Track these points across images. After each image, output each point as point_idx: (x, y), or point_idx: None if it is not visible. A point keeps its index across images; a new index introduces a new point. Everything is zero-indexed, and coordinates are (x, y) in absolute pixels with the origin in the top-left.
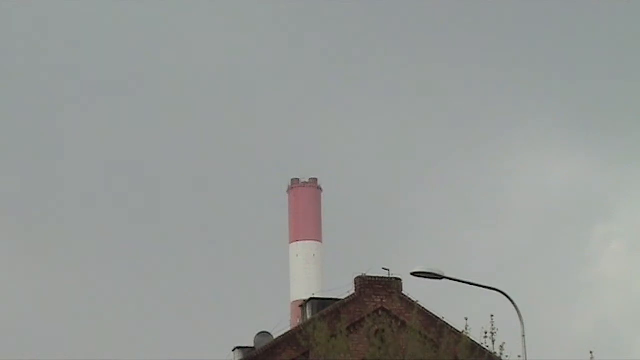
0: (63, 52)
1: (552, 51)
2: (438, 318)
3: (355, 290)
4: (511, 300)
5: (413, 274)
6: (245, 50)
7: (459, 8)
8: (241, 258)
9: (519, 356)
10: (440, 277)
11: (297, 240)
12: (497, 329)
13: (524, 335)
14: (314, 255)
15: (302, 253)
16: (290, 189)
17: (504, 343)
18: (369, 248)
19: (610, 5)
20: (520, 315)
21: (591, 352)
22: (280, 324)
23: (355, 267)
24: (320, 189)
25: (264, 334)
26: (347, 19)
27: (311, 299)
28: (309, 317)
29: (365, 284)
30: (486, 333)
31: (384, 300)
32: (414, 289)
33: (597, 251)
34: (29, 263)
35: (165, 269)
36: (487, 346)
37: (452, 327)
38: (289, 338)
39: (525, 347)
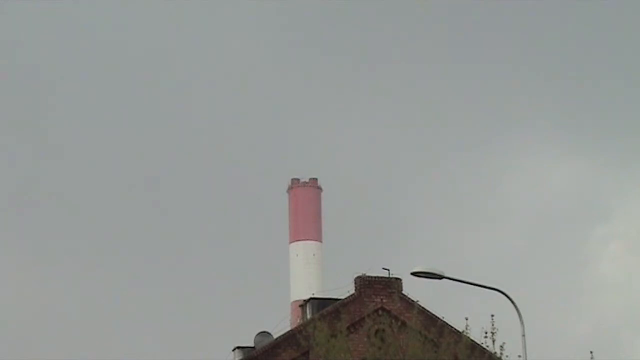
0: (60, 50)
1: (552, 52)
2: (438, 318)
3: (355, 290)
4: (511, 300)
5: (413, 274)
6: (245, 50)
7: (459, 8)
8: (241, 258)
9: (519, 356)
10: (440, 277)
11: (297, 240)
12: (497, 329)
13: (524, 335)
14: (314, 255)
15: (302, 253)
16: (290, 189)
17: (504, 343)
18: (369, 248)
19: (610, 5)
20: (520, 315)
21: (591, 352)
22: (280, 324)
23: (355, 267)
24: (320, 189)
25: (264, 334)
26: (347, 19)
27: (311, 299)
28: (309, 317)
29: (365, 284)
30: (486, 333)
31: (384, 300)
32: (414, 289)
33: (596, 252)
34: (27, 264)
35: (165, 268)
36: (487, 346)
37: (452, 327)
38: (289, 338)
39: (525, 347)
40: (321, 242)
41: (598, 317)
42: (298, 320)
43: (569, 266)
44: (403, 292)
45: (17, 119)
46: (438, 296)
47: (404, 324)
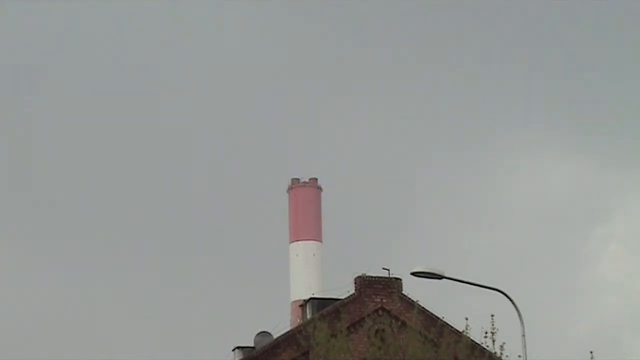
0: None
1: (552, 52)
2: (438, 318)
3: (355, 290)
4: (511, 300)
5: (413, 274)
6: (245, 50)
7: (458, 8)
8: (241, 258)
9: (519, 356)
10: (440, 277)
11: (297, 240)
12: (497, 329)
13: (524, 335)
14: (314, 255)
15: (302, 253)
16: (290, 189)
17: (504, 343)
18: (369, 248)
19: (610, 5)
20: (520, 315)
21: (591, 352)
22: (280, 324)
23: (355, 267)
24: (320, 189)
25: (264, 334)
26: (347, 19)
27: (311, 299)
28: (309, 317)
29: (365, 284)
30: (486, 333)
31: (384, 300)
32: (414, 289)
33: (596, 252)
34: (27, 264)
35: (165, 268)
36: (487, 346)
37: (452, 327)
38: (289, 338)
39: (525, 347)
40: (321, 242)
41: (598, 317)
42: (298, 320)
43: (569, 266)
44: (403, 292)
45: (17, 118)
46: (438, 296)
47: (404, 324)
